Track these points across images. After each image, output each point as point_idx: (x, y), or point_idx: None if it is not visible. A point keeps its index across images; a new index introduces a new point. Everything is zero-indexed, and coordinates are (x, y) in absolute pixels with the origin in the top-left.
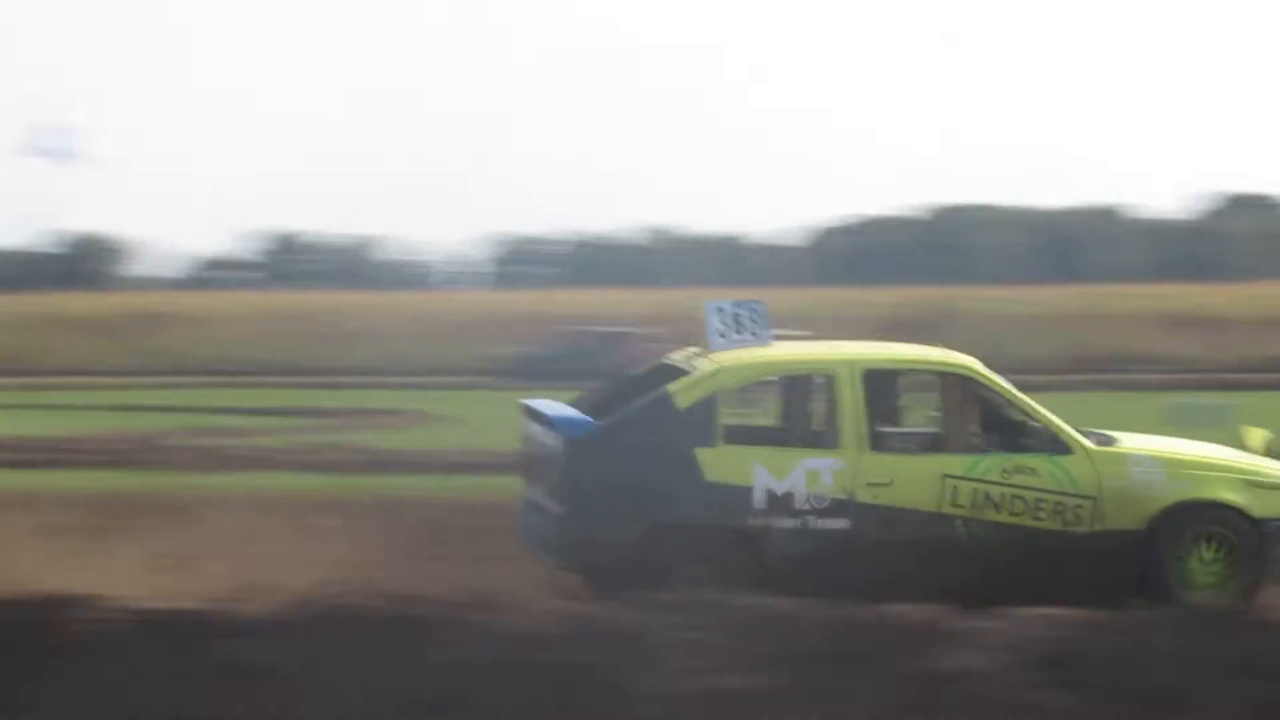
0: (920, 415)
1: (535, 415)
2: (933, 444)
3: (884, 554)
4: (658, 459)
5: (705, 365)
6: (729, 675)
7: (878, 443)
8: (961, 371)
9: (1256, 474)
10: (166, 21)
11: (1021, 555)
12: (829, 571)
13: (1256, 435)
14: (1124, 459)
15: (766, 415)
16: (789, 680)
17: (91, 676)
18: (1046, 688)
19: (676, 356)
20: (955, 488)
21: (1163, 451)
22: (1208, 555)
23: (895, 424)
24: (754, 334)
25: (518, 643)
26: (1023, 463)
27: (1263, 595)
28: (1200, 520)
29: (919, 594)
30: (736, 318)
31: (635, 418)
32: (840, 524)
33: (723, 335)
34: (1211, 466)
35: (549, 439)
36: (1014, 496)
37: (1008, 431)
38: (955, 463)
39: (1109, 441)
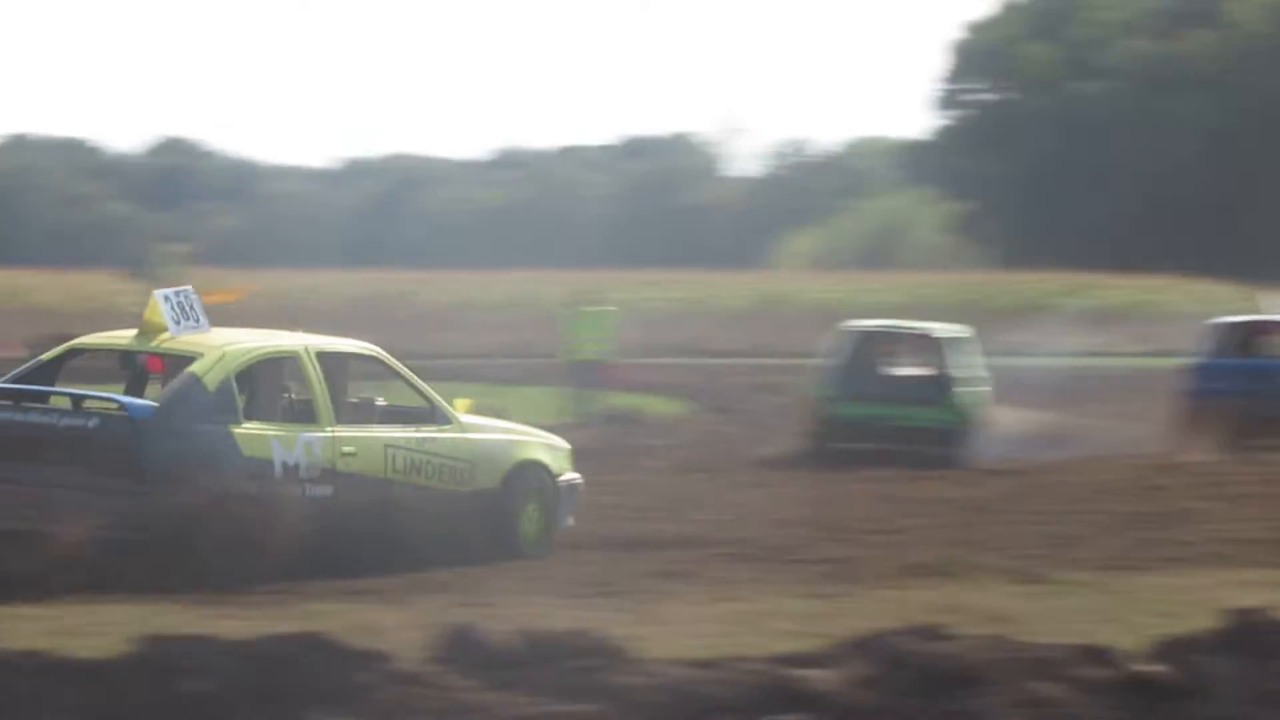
0: (355, 392)
1: (29, 397)
2: (371, 416)
3: (356, 516)
4: (205, 436)
5: (205, 349)
6: None
7: (343, 416)
8: (373, 355)
9: (551, 440)
10: None
11: (434, 514)
12: (324, 534)
13: (461, 404)
14: (482, 428)
15: (275, 395)
16: None
17: None
18: None
19: (95, 338)
20: (394, 456)
21: (499, 423)
22: (532, 509)
23: (349, 400)
24: (198, 320)
25: None
26: (428, 433)
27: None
28: (529, 479)
29: (385, 552)
30: (181, 305)
31: (179, 399)
32: (327, 490)
33: (178, 322)
34: (528, 434)
35: (90, 419)
36: (425, 462)
37: (412, 406)
38: (390, 434)
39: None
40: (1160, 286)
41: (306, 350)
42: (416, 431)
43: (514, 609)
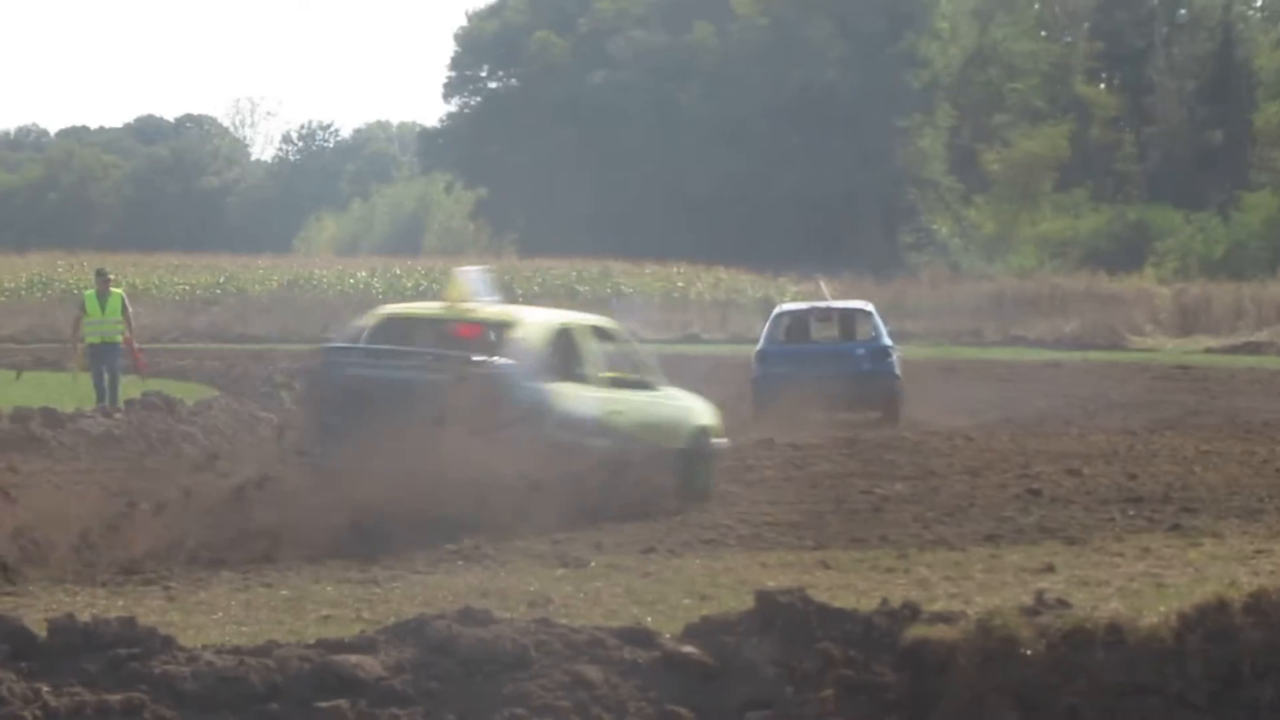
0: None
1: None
2: (620, 383)
3: (621, 466)
4: (537, 391)
5: (517, 319)
6: None
7: (612, 381)
8: (614, 328)
9: (712, 408)
10: None
11: (656, 468)
12: (603, 483)
13: None
14: (673, 395)
15: (566, 359)
16: None
17: None
18: None
19: (405, 307)
20: (639, 415)
21: (684, 391)
22: (702, 466)
23: (607, 368)
24: (493, 294)
25: None
26: (653, 397)
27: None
28: (702, 440)
29: (626, 503)
30: (484, 281)
31: (519, 358)
32: (606, 443)
33: (483, 295)
34: (693, 399)
35: (451, 374)
36: (653, 422)
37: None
38: (635, 396)
39: None
40: (676, 274)
41: (582, 322)
42: (646, 395)
43: (52, 597)
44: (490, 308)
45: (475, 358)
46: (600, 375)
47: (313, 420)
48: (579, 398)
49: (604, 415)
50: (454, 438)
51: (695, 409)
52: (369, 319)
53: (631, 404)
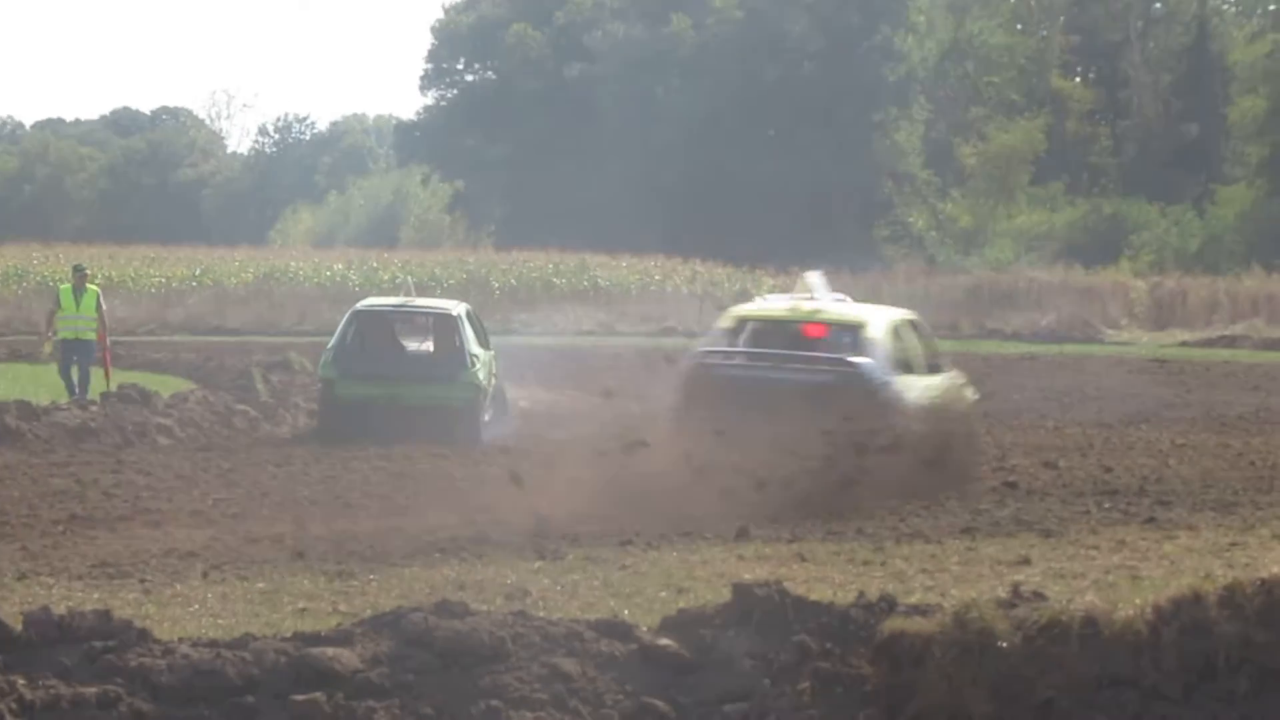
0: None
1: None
2: (932, 370)
3: (940, 449)
4: (891, 384)
5: (863, 319)
6: None
7: (929, 369)
8: (920, 320)
9: (970, 382)
10: None
11: (953, 444)
12: (895, 458)
13: None
14: (953, 375)
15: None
16: None
17: None
18: None
19: (754, 309)
20: (944, 399)
21: (954, 370)
22: (973, 437)
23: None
24: (833, 296)
25: None
26: (945, 380)
27: None
28: (973, 412)
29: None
30: (825, 284)
31: (876, 355)
32: (929, 427)
33: (825, 297)
34: (962, 377)
35: (827, 375)
36: (950, 402)
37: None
38: (937, 380)
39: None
40: (652, 267)
41: (905, 318)
42: (942, 379)
43: (28, 590)
44: (837, 308)
45: (849, 359)
46: (920, 364)
47: (694, 419)
48: (913, 387)
49: (928, 401)
50: (831, 430)
51: (967, 386)
52: (724, 321)
53: (936, 387)
